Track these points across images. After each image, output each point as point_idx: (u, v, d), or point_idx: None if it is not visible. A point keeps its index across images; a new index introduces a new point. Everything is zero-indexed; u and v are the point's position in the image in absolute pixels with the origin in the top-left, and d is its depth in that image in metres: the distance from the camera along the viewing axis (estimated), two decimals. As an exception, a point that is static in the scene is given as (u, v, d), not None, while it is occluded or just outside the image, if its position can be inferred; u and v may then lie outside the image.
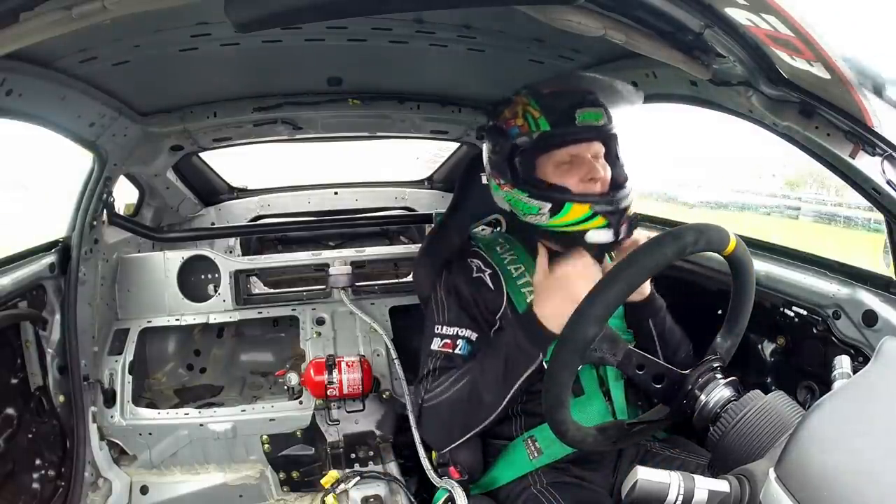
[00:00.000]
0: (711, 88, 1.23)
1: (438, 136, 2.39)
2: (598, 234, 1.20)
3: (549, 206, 1.21)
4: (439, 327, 1.33)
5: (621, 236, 1.22)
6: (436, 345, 1.31)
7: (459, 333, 1.30)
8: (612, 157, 1.30)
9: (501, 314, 1.33)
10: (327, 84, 1.91)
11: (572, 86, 1.31)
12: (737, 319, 1.09)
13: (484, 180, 1.62)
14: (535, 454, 1.32)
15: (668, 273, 1.04)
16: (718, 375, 0.99)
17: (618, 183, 1.27)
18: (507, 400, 1.21)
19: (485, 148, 1.40)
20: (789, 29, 0.86)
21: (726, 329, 1.09)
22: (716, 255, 1.04)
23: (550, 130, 1.24)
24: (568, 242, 1.22)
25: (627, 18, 1.01)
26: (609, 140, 1.28)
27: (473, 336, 1.30)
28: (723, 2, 0.90)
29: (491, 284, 1.34)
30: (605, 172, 1.26)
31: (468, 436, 1.27)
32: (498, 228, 1.57)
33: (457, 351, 1.29)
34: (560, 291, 1.15)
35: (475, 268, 1.37)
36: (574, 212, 1.20)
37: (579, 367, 0.98)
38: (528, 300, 1.31)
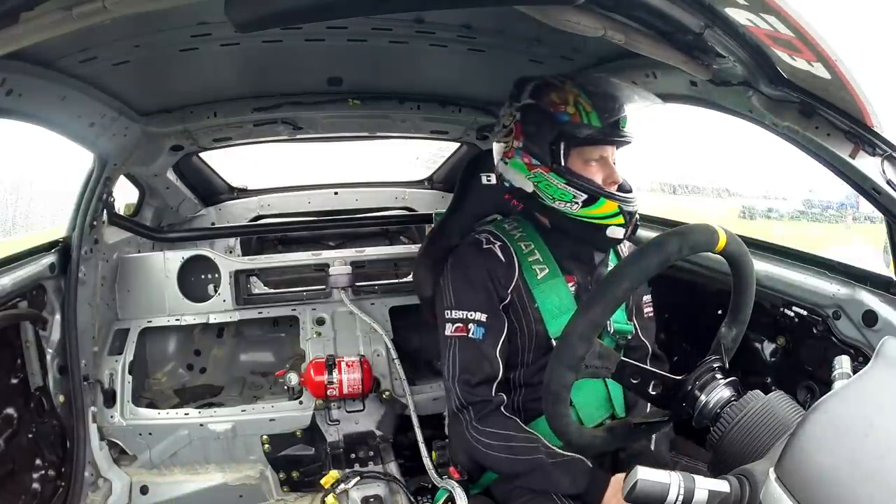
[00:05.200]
0: (711, 88, 1.24)
1: (438, 136, 2.39)
2: (617, 231, 1.29)
3: (584, 197, 1.28)
4: (449, 311, 1.34)
5: (629, 234, 1.32)
6: (448, 330, 1.34)
7: (469, 317, 1.32)
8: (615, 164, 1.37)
9: (514, 287, 1.34)
10: (327, 84, 1.90)
11: (613, 91, 1.33)
12: (740, 308, 1.08)
13: (484, 180, 1.62)
14: None
15: (668, 274, 1.04)
16: (718, 376, 0.99)
17: (628, 188, 1.35)
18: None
19: (512, 128, 1.35)
20: (789, 29, 0.86)
21: (731, 318, 1.09)
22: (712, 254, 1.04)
23: (601, 127, 1.27)
24: (585, 231, 1.31)
25: (627, 19, 1.01)
26: (623, 147, 1.36)
27: (483, 317, 1.31)
28: (723, 2, 0.90)
29: (501, 256, 1.35)
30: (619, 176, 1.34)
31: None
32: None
33: (470, 335, 1.31)
34: None
35: (484, 240, 1.38)
36: (605, 207, 1.28)
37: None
38: (538, 276, 1.35)
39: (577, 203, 1.28)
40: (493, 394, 1.31)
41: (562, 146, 1.28)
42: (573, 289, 1.36)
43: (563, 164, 1.29)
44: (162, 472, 2.01)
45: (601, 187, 1.29)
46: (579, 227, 1.31)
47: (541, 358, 1.34)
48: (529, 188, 1.33)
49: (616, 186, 1.32)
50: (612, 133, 1.29)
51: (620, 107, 1.29)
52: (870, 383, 0.82)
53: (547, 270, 1.35)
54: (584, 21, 0.99)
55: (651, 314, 1.51)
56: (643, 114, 1.35)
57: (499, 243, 1.37)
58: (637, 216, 1.31)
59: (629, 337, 1.40)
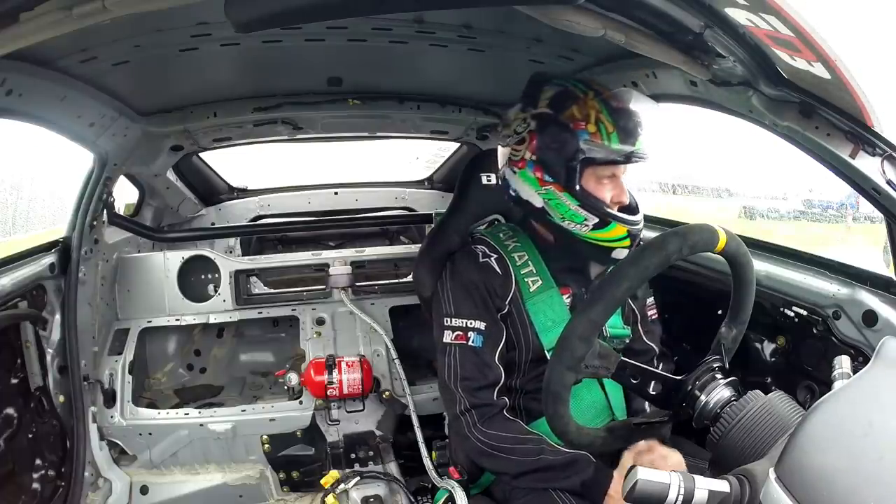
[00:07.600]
0: (711, 88, 1.23)
1: (438, 136, 2.39)
2: (622, 253, 1.29)
3: (595, 220, 1.27)
4: (448, 319, 1.34)
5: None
6: (447, 337, 1.33)
7: (469, 325, 1.31)
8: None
9: (511, 298, 1.34)
10: (327, 84, 1.90)
11: (635, 107, 1.28)
12: (740, 308, 1.08)
13: (484, 181, 1.62)
14: None
15: (667, 274, 1.04)
16: (718, 376, 0.99)
17: (635, 207, 1.33)
18: None
19: (525, 136, 1.29)
20: (789, 29, 0.86)
21: (731, 318, 1.09)
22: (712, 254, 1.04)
23: (619, 148, 1.24)
24: (591, 250, 1.31)
25: (627, 18, 1.01)
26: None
27: (482, 325, 1.31)
28: (723, 2, 0.90)
29: (498, 269, 1.34)
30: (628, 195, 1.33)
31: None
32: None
33: (470, 343, 1.31)
34: None
35: (480, 253, 1.37)
36: (615, 231, 1.27)
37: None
38: (531, 289, 1.34)
39: (587, 226, 1.27)
40: (496, 397, 1.31)
41: (576, 165, 1.24)
42: (568, 300, 1.36)
43: (578, 184, 1.25)
44: (162, 472, 2.01)
45: (613, 212, 1.27)
46: (585, 247, 1.30)
47: (537, 368, 1.34)
48: (539, 203, 1.30)
49: (621, 205, 1.30)
50: (631, 154, 1.25)
51: (639, 126, 1.25)
52: (870, 383, 0.82)
53: (540, 282, 1.35)
54: (584, 21, 0.99)
55: (655, 317, 1.50)
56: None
57: (495, 256, 1.36)
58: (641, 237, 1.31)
59: (626, 341, 1.40)
